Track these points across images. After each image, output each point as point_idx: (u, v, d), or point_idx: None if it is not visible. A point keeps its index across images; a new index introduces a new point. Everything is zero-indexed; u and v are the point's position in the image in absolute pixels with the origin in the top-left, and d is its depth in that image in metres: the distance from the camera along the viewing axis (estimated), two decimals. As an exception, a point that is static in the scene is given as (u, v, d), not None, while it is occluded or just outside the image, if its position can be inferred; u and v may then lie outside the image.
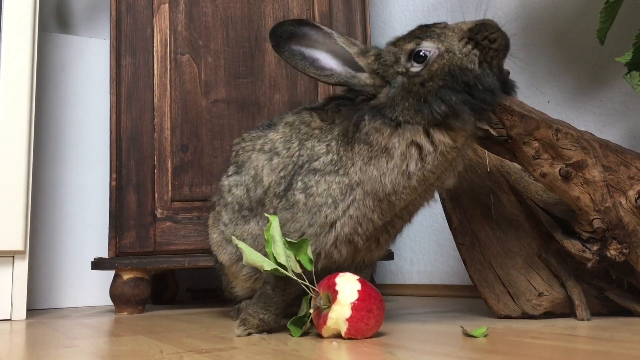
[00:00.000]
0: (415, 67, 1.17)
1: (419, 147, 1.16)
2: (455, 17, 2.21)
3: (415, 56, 1.17)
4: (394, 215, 1.27)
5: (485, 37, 1.14)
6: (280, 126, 1.39)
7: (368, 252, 1.34)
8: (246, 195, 1.41)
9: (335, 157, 1.23)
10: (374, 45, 1.29)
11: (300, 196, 1.24)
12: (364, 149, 1.19)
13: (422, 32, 1.20)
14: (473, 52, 1.14)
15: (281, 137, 1.36)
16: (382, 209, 1.22)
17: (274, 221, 1.18)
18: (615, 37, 1.61)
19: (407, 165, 1.17)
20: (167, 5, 2.03)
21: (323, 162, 1.24)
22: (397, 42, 1.22)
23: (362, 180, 1.19)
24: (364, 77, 1.23)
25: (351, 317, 1.09)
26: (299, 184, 1.25)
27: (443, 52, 1.15)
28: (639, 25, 1.46)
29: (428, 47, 1.17)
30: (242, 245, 1.20)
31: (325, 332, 1.12)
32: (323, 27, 1.24)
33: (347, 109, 1.25)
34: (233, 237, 1.28)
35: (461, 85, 1.12)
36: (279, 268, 1.15)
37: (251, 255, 1.18)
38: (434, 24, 1.21)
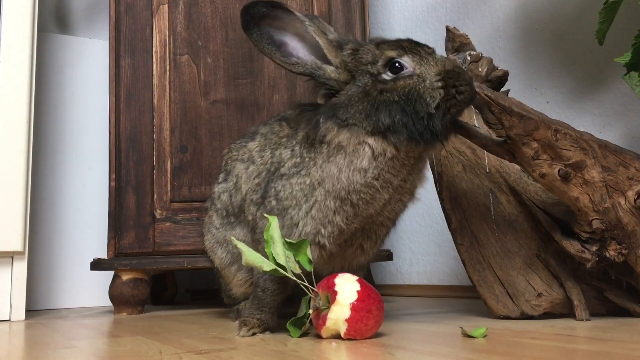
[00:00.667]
0: (387, 76, 1.18)
1: (370, 147, 1.17)
2: (454, 18, 2.21)
3: (392, 66, 1.18)
4: (366, 221, 1.27)
5: (454, 86, 1.15)
6: (257, 137, 1.43)
7: (353, 258, 1.35)
8: (229, 202, 1.46)
9: (298, 159, 1.25)
10: (354, 39, 1.28)
11: (274, 202, 1.27)
12: (324, 148, 1.21)
13: (410, 46, 1.20)
14: (438, 91, 1.15)
15: (257, 147, 1.40)
16: (345, 211, 1.22)
17: (274, 221, 1.18)
18: (614, 38, 1.62)
19: (360, 161, 1.17)
20: (166, 5, 2.03)
21: (288, 166, 1.26)
22: (381, 45, 1.22)
23: (322, 179, 1.21)
24: (330, 71, 1.23)
25: (350, 317, 1.09)
26: (272, 190, 1.28)
27: (415, 74, 1.17)
28: (637, 26, 1.46)
29: (406, 63, 1.18)
30: (241, 245, 1.20)
31: (324, 332, 1.12)
32: (297, 12, 1.23)
33: (310, 114, 1.26)
34: (232, 238, 1.28)
35: (411, 109, 1.14)
36: (279, 269, 1.15)
37: (250, 256, 1.18)
38: (423, 45, 1.22)
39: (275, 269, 1.15)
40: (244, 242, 1.38)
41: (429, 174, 1.33)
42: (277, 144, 1.34)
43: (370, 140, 1.17)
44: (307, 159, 1.24)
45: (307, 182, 1.22)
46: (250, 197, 1.36)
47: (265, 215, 1.24)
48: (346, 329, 1.09)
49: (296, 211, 1.23)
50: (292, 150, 1.28)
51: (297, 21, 1.23)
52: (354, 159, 1.18)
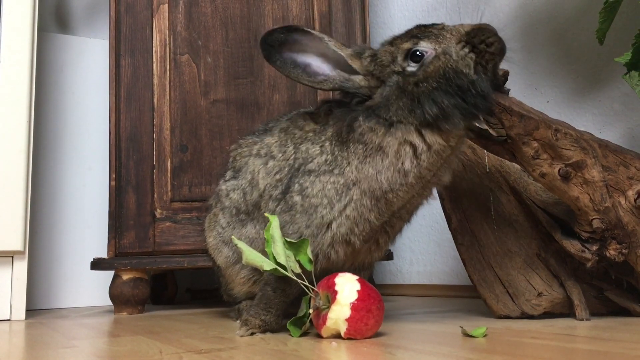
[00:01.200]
0: (412, 67, 1.17)
1: (413, 146, 1.16)
2: (454, 17, 2.21)
3: (412, 55, 1.17)
4: (391, 215, 1.26)
5: (482, 41, 1.15)
6: (276, 131, 1.40)
7: (368, 254, 1.34)
8: (243, 200, 1.41)
9: (329, 157, 1.23)
10: (367, 46, 1.29)
11: (297, 198, 1.24)
12: (360, 148, 1.19)
13: (420, 31, 1.20)
14: (469, 55, 1.14)
15: (276, 142, 1.37)
16: (379, 208, 1.22)
17: (274, 221, 1.18)
18: (614, 37, 1.62)
19: (402, 163, 1.17)
20: (166, 5, 2.03)
21: (317, 162, 1.24)
22: (394, 41, 1.22)
23: (358, 179, 1.20)
24: (359, 80, 1.23)
25: (351, 317, 1.09)
26: (296, 186, 1.25)
27: (440, 53, 1.16)
28: (638, 25, 1.46)
29: (425, 48, 1.17)
30: (241, 244, 1.19)
31: (324, 332, 1.12)
32: (314, 32, 1.23)
33: (340, 111, 1.25)
34: (233, 237, 1.28)
35: (455, 88, 1.13)
36: (279, 268, 1.15)
37: (251, 255, 1.18)
38: (432, 25, 1.21)
39: (276, 269, 1.15)
40: (255, 239, 1.38)
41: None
42: (302, 138, 1.31)
43: (415, 138, 1.16)
44: (339, 158, 1.22)
45: (341, 181, 1.21)
46: (269, 193, 1.33)
47: (265, 214, 1.23)
48: (346, 329, 1.09)
49: (327, 210, 1.21)
50: (322, 146, 1.25)
51: (315, 40, 1.23)
52: (394, 160, 1.17)
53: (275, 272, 1.16)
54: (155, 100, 1.99)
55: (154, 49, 2.01)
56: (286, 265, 1.15)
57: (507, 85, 1.58)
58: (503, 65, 1.34)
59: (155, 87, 1.99)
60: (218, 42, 2.06)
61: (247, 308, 1.38)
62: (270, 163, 1.35)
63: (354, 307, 1.09)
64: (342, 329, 1.10)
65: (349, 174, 1.20)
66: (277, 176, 1.33)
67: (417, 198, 1.26)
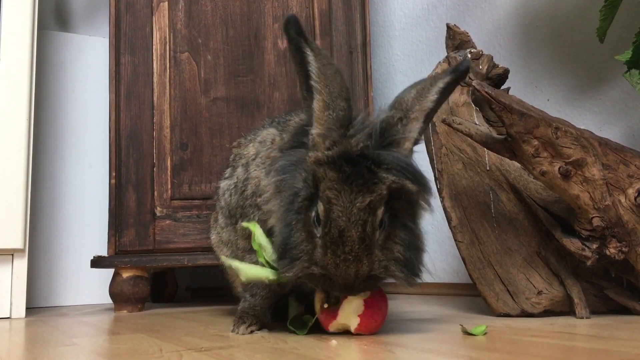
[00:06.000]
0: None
1: None
2: (454, 15, 2.21)
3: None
4: None
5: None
6: (257, 140, 1.38)
7: None
8: (233, 200, 1.41)
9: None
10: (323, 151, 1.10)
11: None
12: None
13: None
14: None
15: (253, 154, 1.36)
16: None
17: (256, 229, 1.15)
18: (614, 36, 1.61)
19: None
20: (166, 3, 2.03)
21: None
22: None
23: None
24: (313, 131, 1.12)
25: (364, 313, 1.10)
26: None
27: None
28: (638, 23, 1.45)
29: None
30: (236, 264, 1.17)
31: (332, 327, 1.13)
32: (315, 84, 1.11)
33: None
34: (224, 257, 1.27)
35: None
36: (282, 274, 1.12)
37: (250, 271, 1.15)
38: None
39: (279, 276, 1.11)
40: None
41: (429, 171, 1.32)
42: (264, 158, 1.34)
43: None
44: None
45: None
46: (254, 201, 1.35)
47: (243, 224, 1.21)
48: (358, 324, 1.10)
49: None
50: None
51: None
52: None
53: (279, 279, 1.12)
54: (155, 98, 1.99)
55: (154, 46, 2.00)
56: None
57: (508, 83, 1.59)
58: (503, 63, 1.34)
59: (155, 85, 1.99)
60: (218, 40, 2.06)
61: (239, 310, 1.38)
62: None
63: (367, 304, 1.10)
64: (354, 324, 1.11)
65: None
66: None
67: None
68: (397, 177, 1.03)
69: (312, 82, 1.09)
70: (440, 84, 1.13)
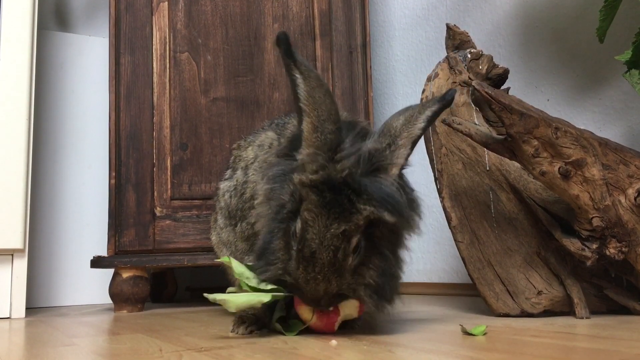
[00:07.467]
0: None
1: None
2: (454, 15, 2.21)
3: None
4: None
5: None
6: (255, 144, 1.41)
7: None
8: (233, 202, 1.43)
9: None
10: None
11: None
12: None
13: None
14: None
15: (252, 157, 1.39)
16: None
17: (232, 262, 1.17)
18: (614, 36, 1.61)
19: None
20: (166, 3, 2.03)
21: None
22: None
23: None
24: (302, 152, 1.13)
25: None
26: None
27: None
28: (638, 23, 1.45)
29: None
30: (222, 296, 1.15)
31: (337, 324, 1.16)
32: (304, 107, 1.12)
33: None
34: (224, 258, 1.27)
35: None
36: (275, 293, 1.13)
37: (239, 300, 1.13)
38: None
39: (273, 295, 1.12)
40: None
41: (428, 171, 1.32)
42: (261, 163, 1.36)
43: None
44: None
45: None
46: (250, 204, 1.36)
47: (220, 259, 1.22)
48: (359, 308, 1.15)
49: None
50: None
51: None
52: None
53: (276, 297, 1.13)
54: (155, 98, 1.99)
55: (153, 46, 2.00)
56: (268, 289, 1.13)
57: (507, 83, 1.58)
58: (503, 63, 1.34)
59: (155, 85, 1.99)
60: (218, 40, 2.06)
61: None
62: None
63: None
64: (355, 312, 1.15)
65: None
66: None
67: None
68: (376, 208, 1.06)
69: (301, 104, 1.11)
70: (428, 113, 1.16)
